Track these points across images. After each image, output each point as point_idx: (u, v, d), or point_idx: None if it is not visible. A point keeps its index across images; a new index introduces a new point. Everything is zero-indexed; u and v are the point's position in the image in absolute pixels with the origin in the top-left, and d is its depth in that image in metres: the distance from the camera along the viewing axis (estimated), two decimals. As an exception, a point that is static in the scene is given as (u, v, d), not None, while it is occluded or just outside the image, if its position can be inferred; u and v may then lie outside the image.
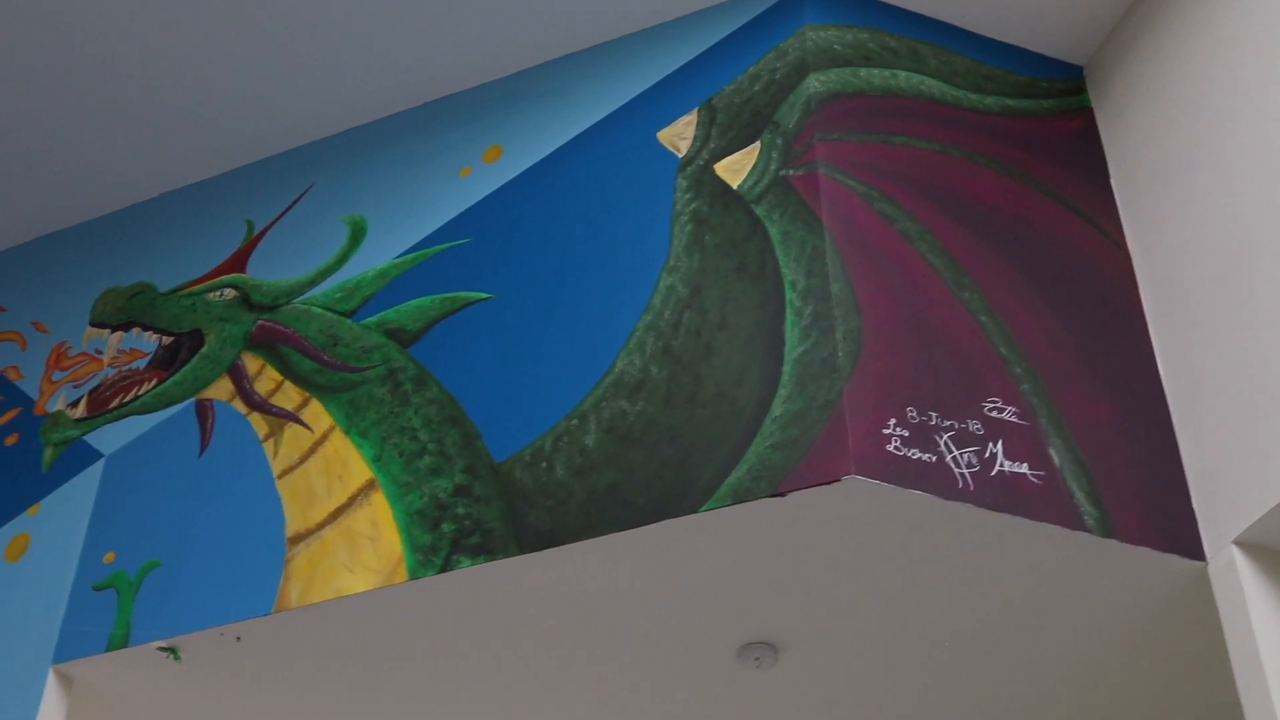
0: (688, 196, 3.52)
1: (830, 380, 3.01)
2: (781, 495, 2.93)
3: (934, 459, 2.97)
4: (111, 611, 3.54)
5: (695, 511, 3.00)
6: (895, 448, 2.95)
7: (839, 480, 2.88)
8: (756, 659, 3.57)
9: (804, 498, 2.94)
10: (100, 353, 4.22)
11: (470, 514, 3.25)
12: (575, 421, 3.26)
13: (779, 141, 3.49)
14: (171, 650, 3.50)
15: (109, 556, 3.66)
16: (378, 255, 3.90)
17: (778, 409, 3.02)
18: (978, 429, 3.06)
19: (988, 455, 3.03)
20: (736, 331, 3.21)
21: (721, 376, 3.15)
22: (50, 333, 4.41)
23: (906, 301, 3.20)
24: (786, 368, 3.08)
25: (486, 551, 3.18)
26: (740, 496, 2.96)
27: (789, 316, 3.15)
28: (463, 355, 3.54)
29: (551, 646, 3.63)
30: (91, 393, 4.12)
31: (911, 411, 3.01)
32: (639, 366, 3.26)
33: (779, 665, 3.64)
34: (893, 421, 2.98)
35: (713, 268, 3.34)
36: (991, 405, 3.10)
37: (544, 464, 3.23)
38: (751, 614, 3.45)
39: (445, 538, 3.24)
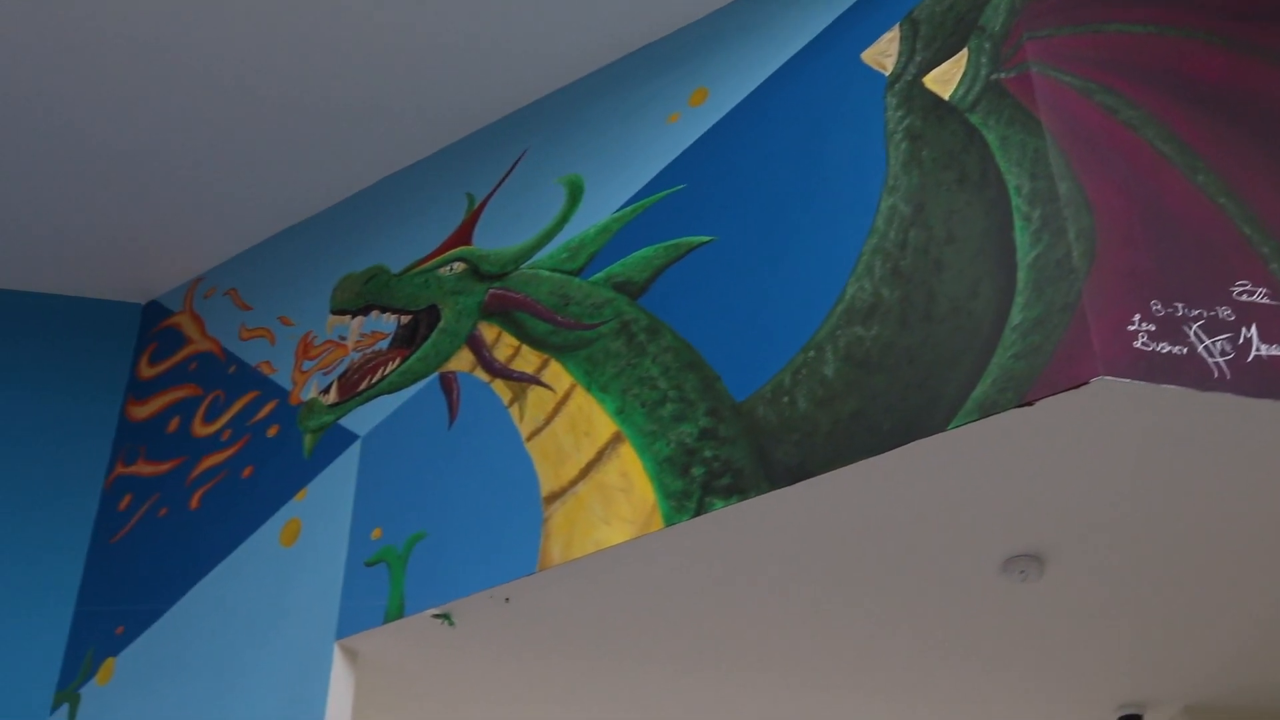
0: (899, 114, 3.47)
1: (1067, 282, 2.93)
2: (1030, 404, 2.87)
3: (1185, 351, 2.87)
4: (385, 584, 3.67)
5: (943, 430, 2.95)
6: (1143, 344, 2.86)
7: (1088, 383, 2.80)
8: (1022, 572, 3.52)
9: (1053, 404, 2.87)
10: (344, 338, 4.36)
11: (718, 456, 3.27)
12: (812, 353, 3.25)
13: (986, 46, 3.41)
14: (445, 616, 3.61)
15: (376, 532, 3.79)
16: (597, 211, 3.95)
17: (1016, 317, 2.96)
18: (1228, 315, 2.94)
19: (1241, 341, 2.91)
20: (965, 244, 3.15)
21: (955, 291, 3.10)
22: (295, 325, 4.57)
23: (1138, 193, 3.09)
24: (1021, 274, 3.01)
25: (738, 491, 3.20)
26: (987, 410, 2.91)
27: (1017, 222, 3.08)
28: (692, 300, 3.56)
29: (810, 578, 3.64)
30: (340, 378, 4.26)
31: (1156, 305, 2.91)
32: (870, 290, 3.22)
33: (1046, 577, 3.58)
34: (1137, 317, 2.89)
35: (933, 182, 3.29)
36: (1241, 289, 2.98)
37: (785, 399, 3.23)
38: (1011, 528, 3.41)
39: (696, 482, 3.27)
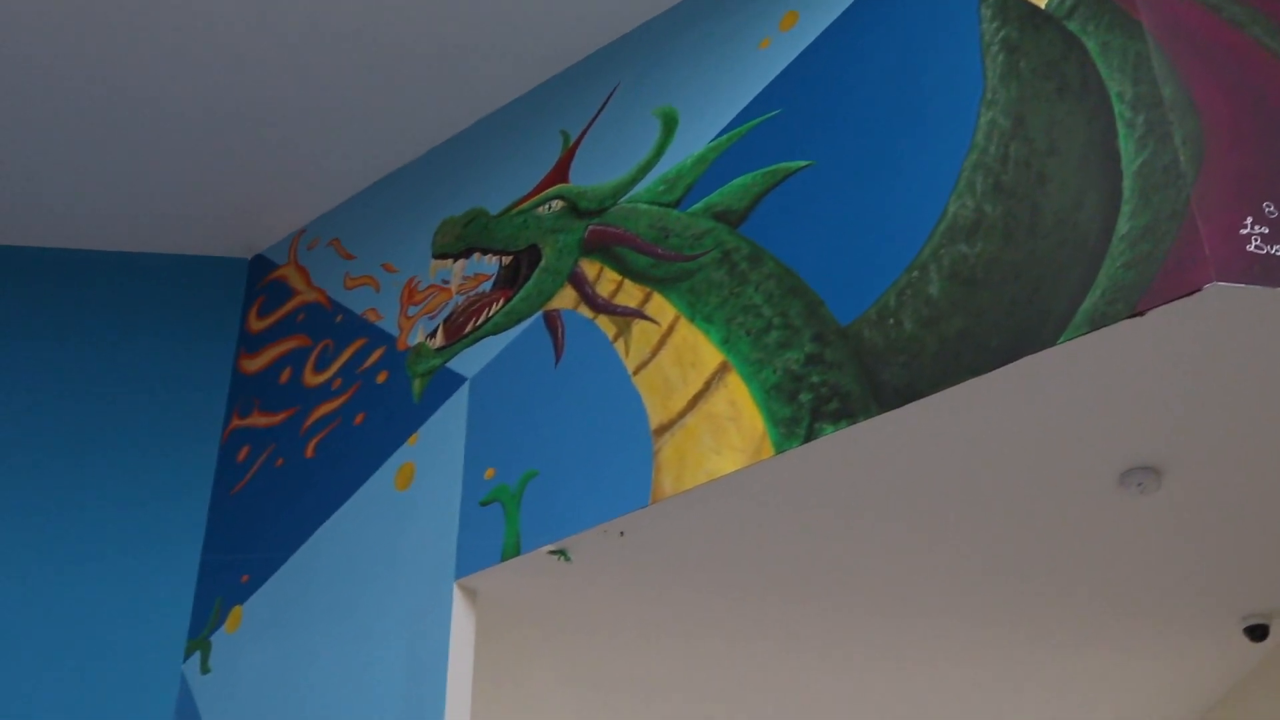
0: (994, 25, 3.40)
1: (1175, 188, 2.87)
2: (1141, 314, 2.82)
3: (1300, 252, 2.81)
4: (500, 523, 3.71)
5: (1053, 344, 2.91)
6: (1256, 247, 2.79)
7: (1200, 290, 2.74)
8: (1139, 484, 3.48)
9: (1165, 314, 2.81)
10: (447, 282, 4.39)
11: (825, 381, 3.26)
12: (916, 273, 3.21)
13: (1082, -50, 3.33)
14: (561, 552, 3.64)
15: (489, 472, 3.83)
16: (693, 142, 3.92)
17: (1124, 226, 2.91)
18: (1344, 214, 2.87)
19: (1358, 240, 2.84)
20: (1068, 155, 3.09)
21: (1059, 203, 3.05)
22: (399, 271, 4.61)
23: (1247, 92, 3.01)
24: (1126, 183, 2.95)
25: (847, 415, 3.18)
26: (1097, 322, 2.87)
27: (1121, 130, 3.02)
28: (793, 226, 3.54)
29: (922, 502, 3.62)
30: (446, 321, 4.30)
31: (1269, 206, 2.84)
32: (972, 207, 3.18)
33: (1164, 488, 3.54)
34: (1249, 220, 2.82)
35: (1032, 94, 3.23)
36: (1356, 186, 2.90)
37: (891, 320, 3.21)
38: (1126, 440, 3.36)
39: (805, 408, 3.26)
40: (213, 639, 4.31)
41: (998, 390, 3.07)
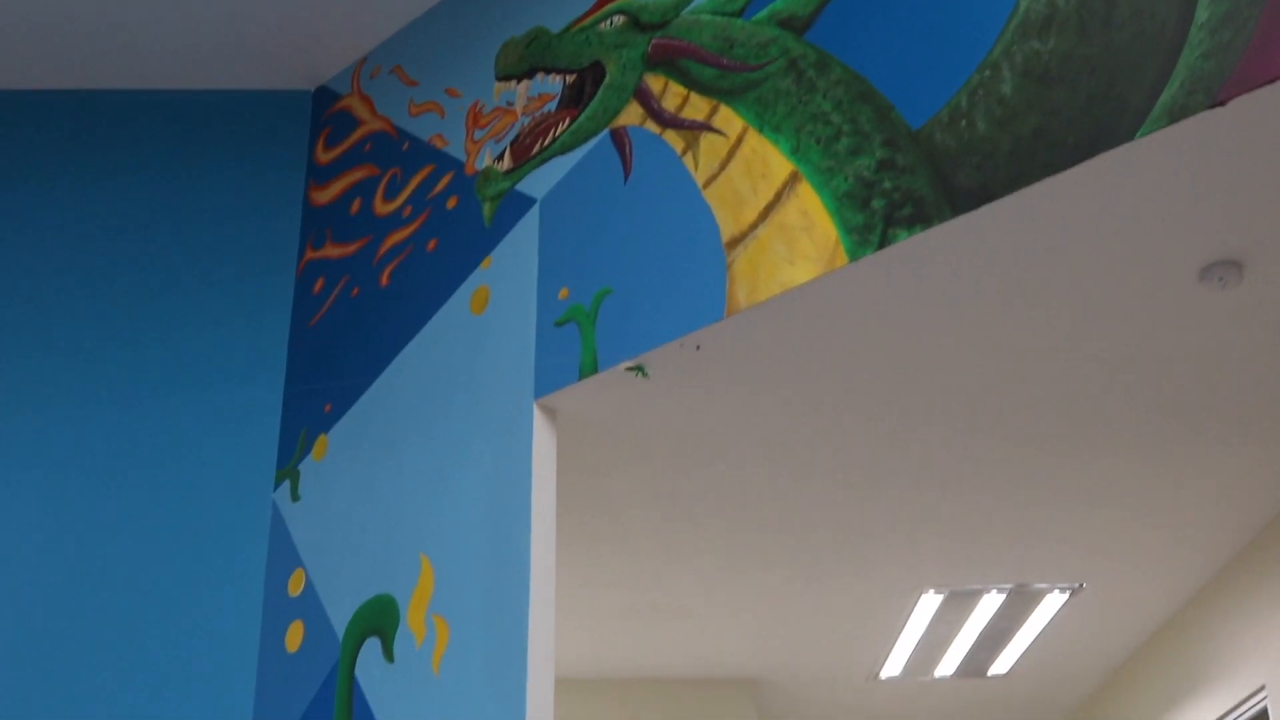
0: None
1: (1257, -29, 2.78)
2: (1222, 104, 2.75)
3: (1388, 33, 2.72)
4: (576, 342, 3.73)
5: (1130, 139, 2.85)
6: (1341, 30, 2.71)
7: (1283, 77, 2.68)
8: (1220, 279, 3.44)
9: (1247, 103, 2.73)
10: (512, 104, 4.36)
11: (898, 186, 3.21)
12: (987, 72, 3.14)
13: None
14: (639, 368, 3.66)
15: (563, 292, 3.84)
16: (755, -53, 3.84)
17: (1203, 14, 2.82)
18: None
19: None
20: (1143, -58, 2.99)
21: (1135, -7, 2.96)
22: (462, 96, 4.58)
23: None
24: (1205, -32, 2.86)
25: (921, 220, 3.15)
26: (1176, 115, 2.80)
27: (1199, -87, 2.92)
28: (860, 30, 3.45)
29: (1000, 305, 3.60)
30: (513, 144, 4.27)
31: (1354, -13, 2.75)
32: (1044, 2, 3.09)
33: (1245, 282, 3.49)
34: (1334, 2, 2.73)
35: (1106, -120, 3.12)
36: None
37: (963, 122, 3.15)
38: (1208, 235, 3.31)
39: (877, 214, 3.23)
40: (300, 467, 4.40)
41: (1074, 188, 3.03)
